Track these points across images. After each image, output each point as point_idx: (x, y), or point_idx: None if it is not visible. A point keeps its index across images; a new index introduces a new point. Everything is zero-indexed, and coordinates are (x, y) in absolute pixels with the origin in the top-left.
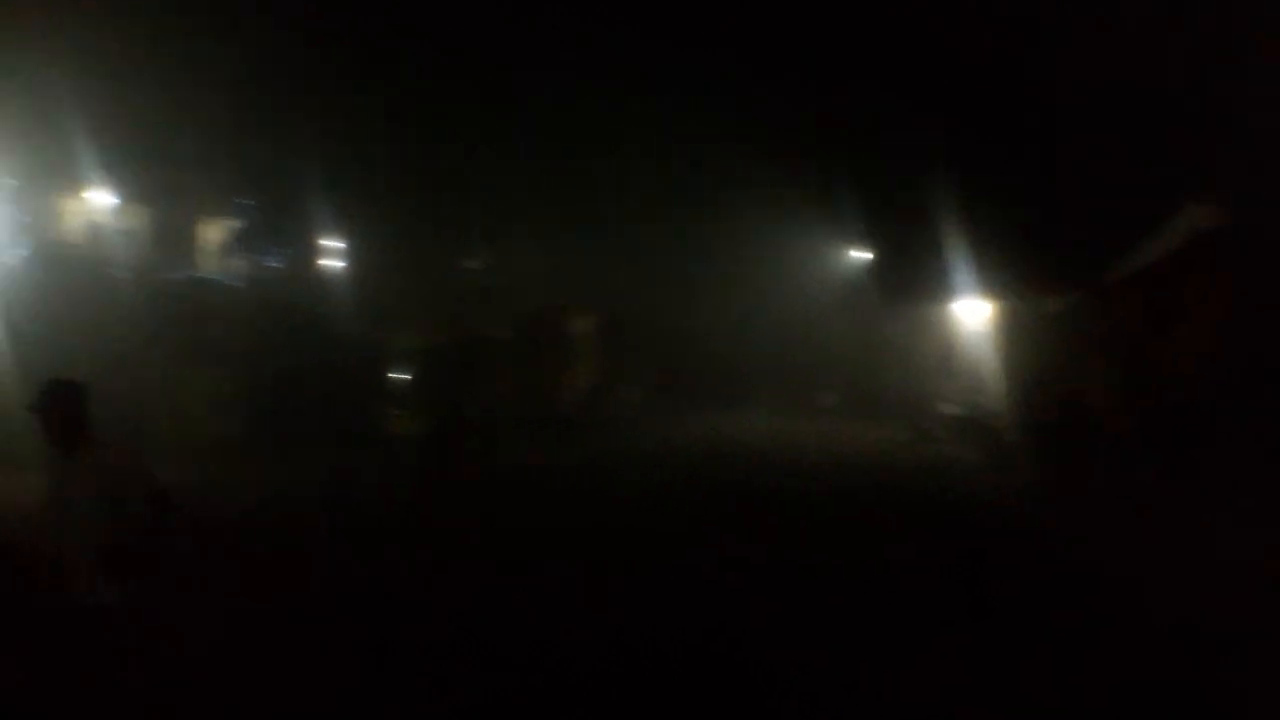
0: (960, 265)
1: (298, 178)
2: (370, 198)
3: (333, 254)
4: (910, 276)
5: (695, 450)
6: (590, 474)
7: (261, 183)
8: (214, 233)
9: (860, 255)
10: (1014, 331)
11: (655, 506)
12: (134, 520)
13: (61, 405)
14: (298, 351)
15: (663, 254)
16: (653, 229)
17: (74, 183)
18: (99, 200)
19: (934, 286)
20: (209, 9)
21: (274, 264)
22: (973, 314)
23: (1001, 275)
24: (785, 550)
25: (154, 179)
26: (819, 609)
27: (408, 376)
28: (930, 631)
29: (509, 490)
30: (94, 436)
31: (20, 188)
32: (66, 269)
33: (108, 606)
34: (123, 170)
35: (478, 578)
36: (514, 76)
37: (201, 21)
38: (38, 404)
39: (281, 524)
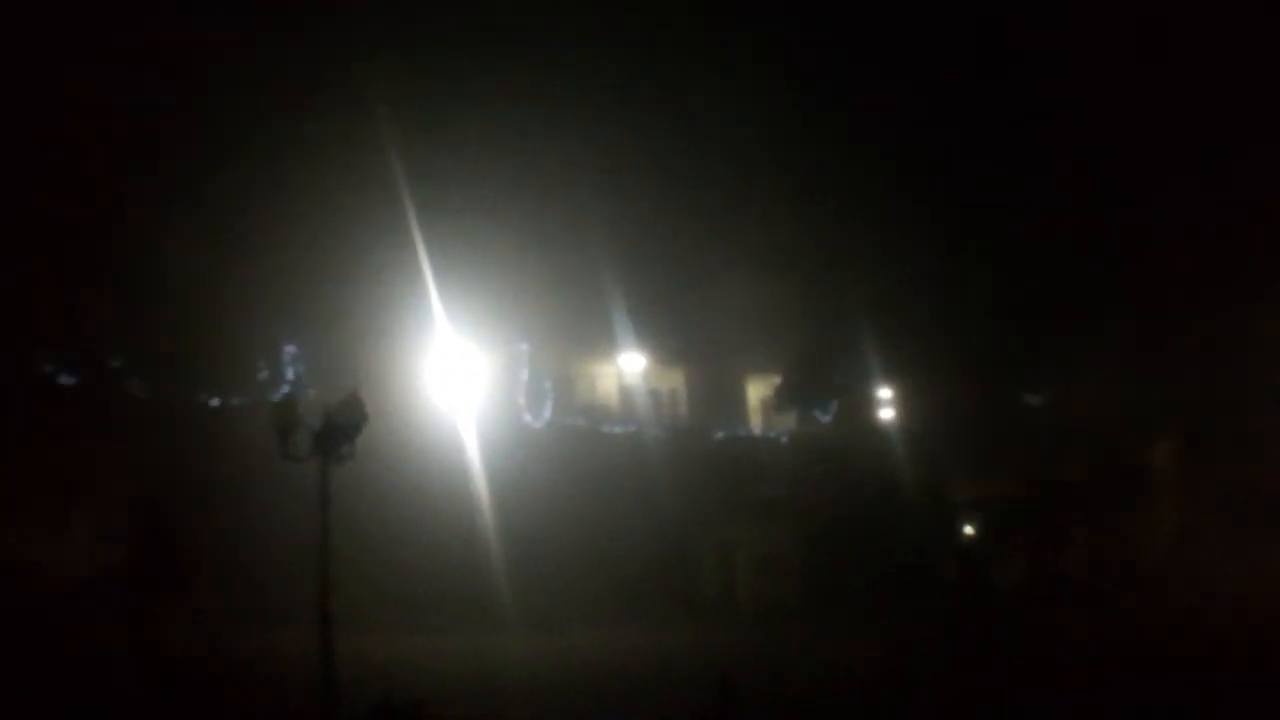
0: None
1: (843, 326)
2: (917, 338)
3: (884, 403)
4: None
5: None
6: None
7: (802, 335)
8: (756, 389)
9: None
10: None
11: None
12: None
13: None
14: (852, 507)
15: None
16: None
17: (598, 347)
18: (628, 363)
19: None
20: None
21: (821, 417)
22: None
23: None
24: None
25: (688, 341)
26: None
27: (973, 530)
28: None
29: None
30: None
31: (539, 353)
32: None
33: None
34: (652, 334)
35: None
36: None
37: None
38: None
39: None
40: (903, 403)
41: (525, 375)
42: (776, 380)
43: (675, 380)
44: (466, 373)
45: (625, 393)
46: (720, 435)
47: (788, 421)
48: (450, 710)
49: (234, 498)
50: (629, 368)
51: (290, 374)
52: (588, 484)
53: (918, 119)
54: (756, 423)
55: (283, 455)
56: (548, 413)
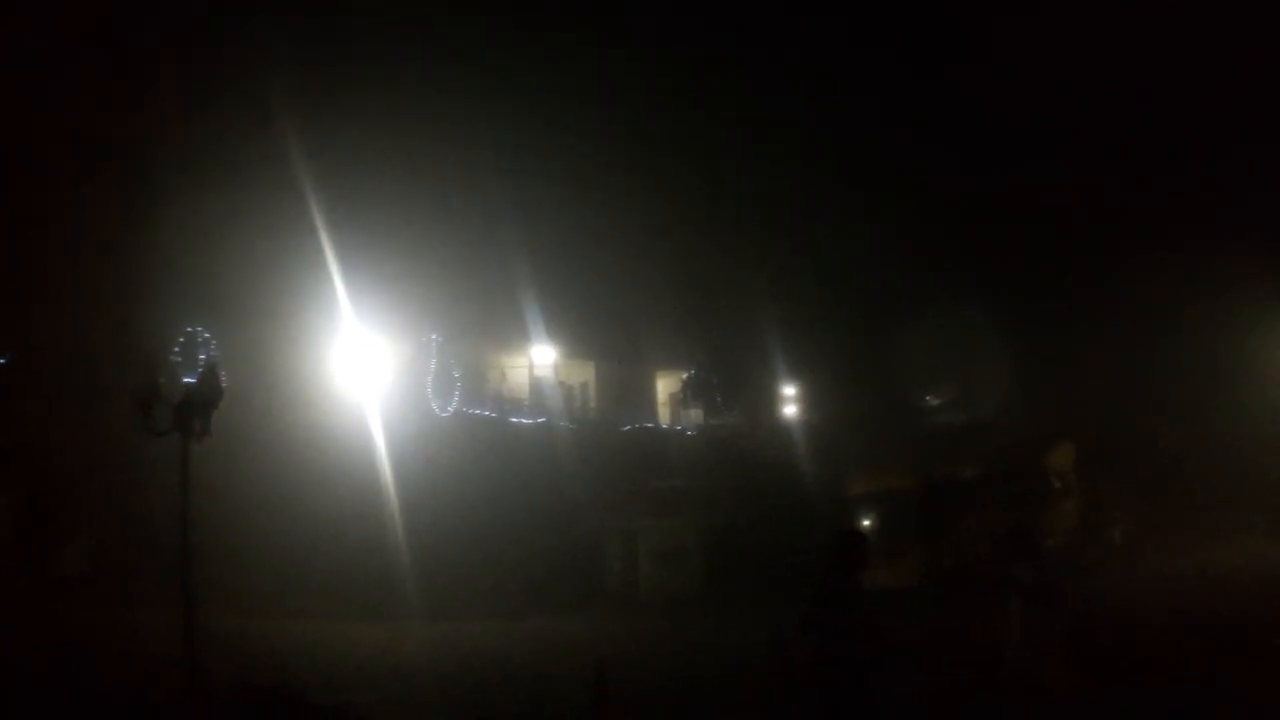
0: None
1: (750, 324)
2: (826, 341)
3: (788, 400)
4: None
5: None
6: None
7: (709, 332)
8: (665, 384)
9: None
10: None
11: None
12: None
13: None
14: (752, 499)
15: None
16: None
17: (510, 340)
18: (539, 356)
19: None
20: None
21: (727, 411)
22: None
23: None
24: None
25: (599, 335)
26: None
27: (870, 524)
28: None
29: None
30: None
31: (450, 344)
32: (505, 420)
33: None
34: (564, 328)
35: None
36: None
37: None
38: None
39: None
40: (805, 399)
41: (434, 365)
42: (685, 375)
43: (586, 374)
44: (374, 361)
45: (536, 385)
46: (627, 428)
47: (696, 416)
48: (313, 696)
49: (136, 477)
50: (540, 360)
51: (201, 356)
52: (494, 474)
53: (835, 132)
54: (665, 417)
55: (142, 430)
56: (455, 402)
